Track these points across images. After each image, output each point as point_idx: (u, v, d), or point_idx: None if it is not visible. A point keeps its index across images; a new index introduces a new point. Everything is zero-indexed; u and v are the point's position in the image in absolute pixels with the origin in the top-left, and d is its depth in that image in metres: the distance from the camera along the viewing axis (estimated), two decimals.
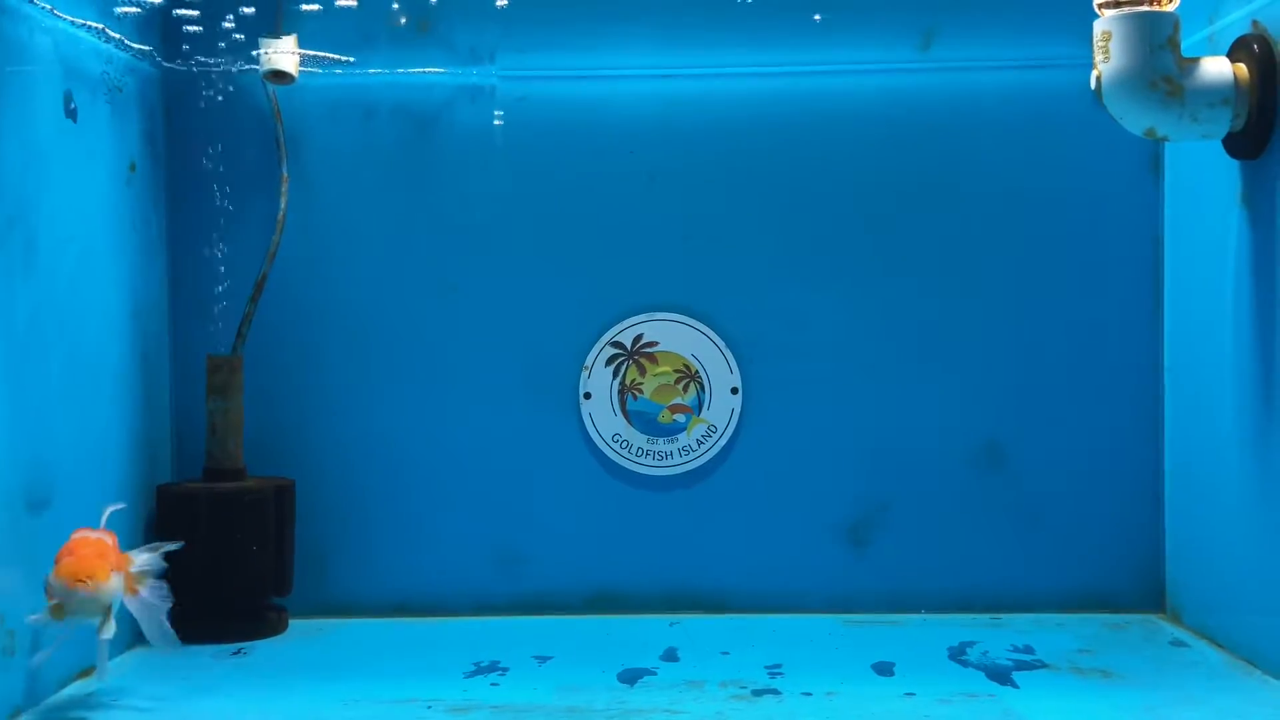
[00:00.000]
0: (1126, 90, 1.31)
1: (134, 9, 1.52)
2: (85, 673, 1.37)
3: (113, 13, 1.47)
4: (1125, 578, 1.64)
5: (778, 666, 1.39)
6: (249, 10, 1.56)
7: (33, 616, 1.18)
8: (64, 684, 1.33)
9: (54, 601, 1.16)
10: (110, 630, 1.20)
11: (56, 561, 1.17)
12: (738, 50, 1.64)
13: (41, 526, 1.28)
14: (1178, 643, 1.49)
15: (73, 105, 1.38)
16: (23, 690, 1.25)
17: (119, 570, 1.21)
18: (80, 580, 1.15)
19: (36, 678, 1.27)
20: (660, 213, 1.66)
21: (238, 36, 1.58)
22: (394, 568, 1.65)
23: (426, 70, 1.65)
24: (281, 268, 1.63)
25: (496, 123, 1.65)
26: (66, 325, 1.36)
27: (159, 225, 1.63)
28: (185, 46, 1.60)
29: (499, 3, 1.60)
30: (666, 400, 1.67)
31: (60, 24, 1.35)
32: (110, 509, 1.28)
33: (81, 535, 1.20)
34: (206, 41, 1.59)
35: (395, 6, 1.62)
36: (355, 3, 1.56)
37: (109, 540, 1.22)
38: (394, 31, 1.64)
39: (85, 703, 1.28)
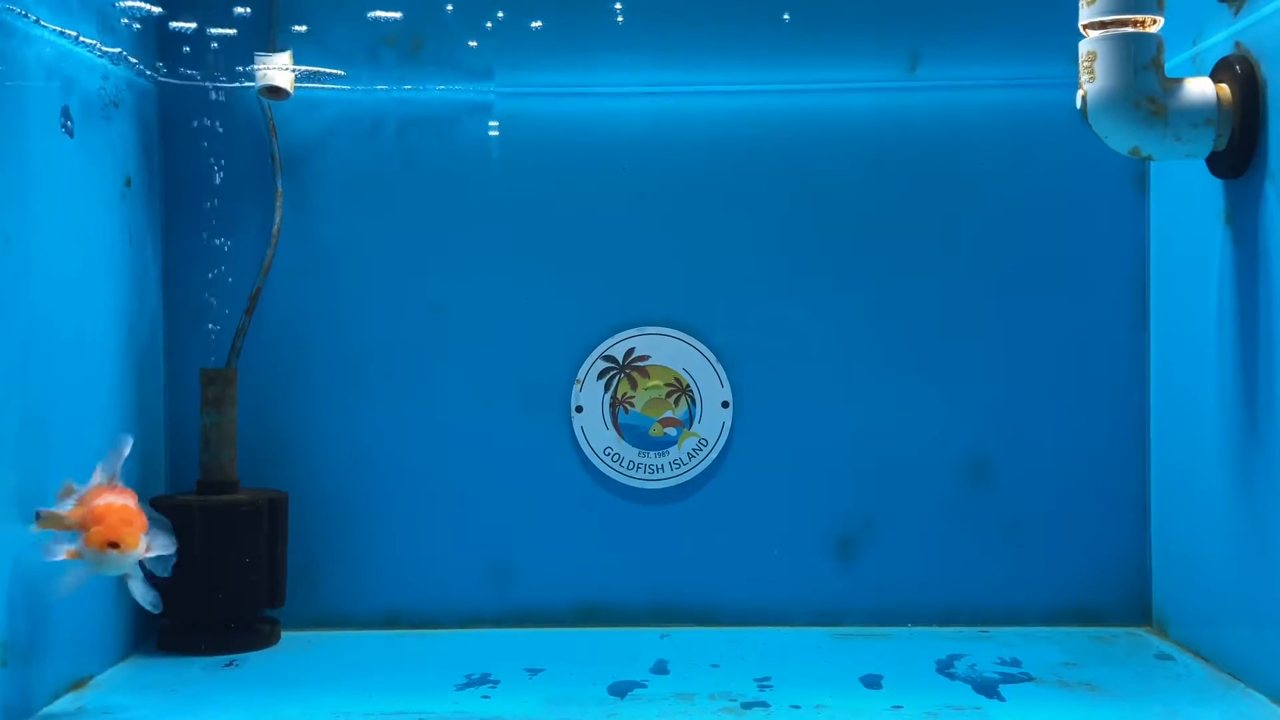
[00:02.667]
0: (1111, 110, 1.33)
1: (131, 24, 1.54)
2: (78, 684, 1.38)
3: (110, 28, 1.48)
4: (1112, 591, 1.65)
5: (767, 679, 1.40)
6: (246, 26, 1.58)
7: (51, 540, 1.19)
8: (57, 695, 1.33)
9: (74, 553, 1.18)
10: (135, 579, 1.23)
11: (83, 525, 1.18)
12: (728, 69, 1.66)
13: (36, 540, 1.28)
14: (1163, 656, 1.50)
15: (68, 120, 1.39)
16: (14, 701, 1.25)
17: (144, 531, 1.22)
18: (112, 547, 1.17)
19: (29, 688, 1.27)
20: (651, 228, 1.67)
21: (234, 52, 1.59)
22: (386, 580, 1.66)
23: (420, 87, 1.66)
24: (276, 282, 1.64)
25: (494, 137, 1.66)
26: (61, 339, 1.37)
27: (154, 239, 1.64)
28: (182, 62, 1.61)
29: (494, 20, 1.62)
30: (658, 414, 1.68)
31: (56, 39, 1.36)
32: (124, 451, 1.26)
33: (107, 502, 1.20)
34: (203, 57, 1.61)
35: (389, 24, 1.63)
36: (351, 19, 1.58)
37: (133, 503, 1.22)
38: (389, 48, 1.66)
39: (77, 714, 1.28)
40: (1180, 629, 1.56)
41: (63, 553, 1.19)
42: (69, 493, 1.23)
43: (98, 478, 1.25)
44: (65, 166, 1.39)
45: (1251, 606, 1.35)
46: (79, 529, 1.19)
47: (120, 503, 1.21)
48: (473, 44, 1.65)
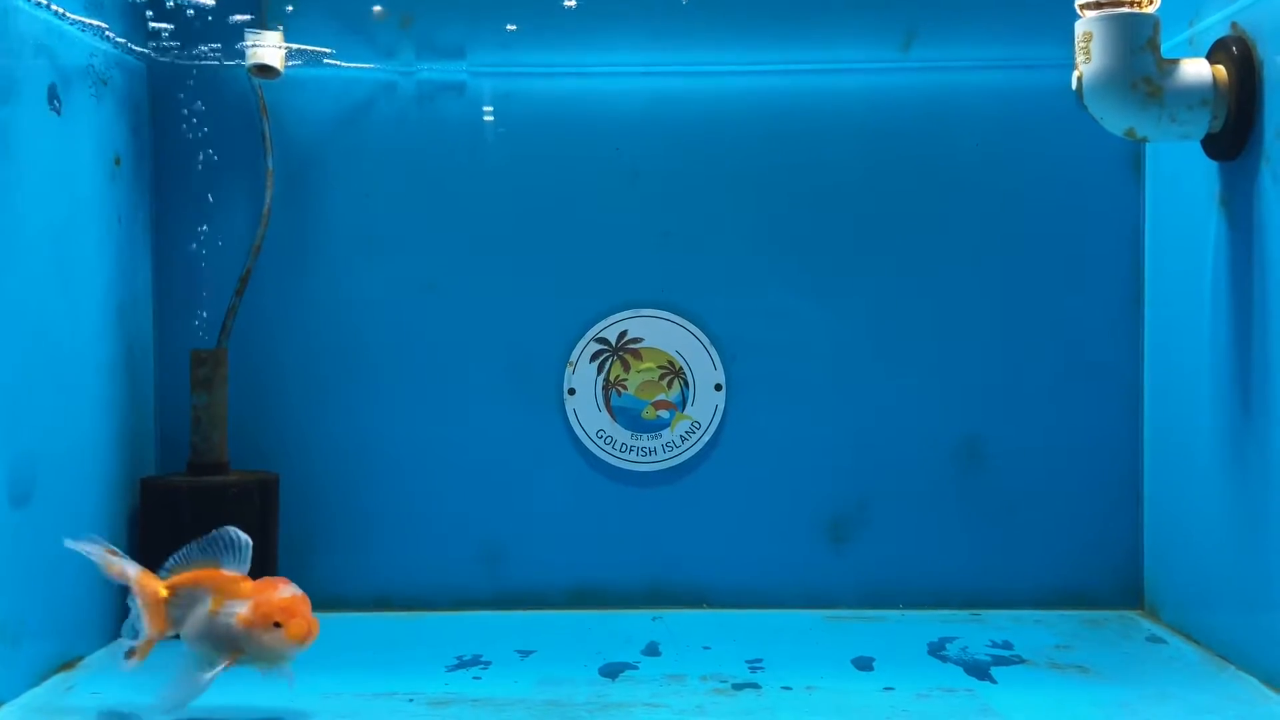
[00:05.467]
0: (1107, 91, 1.32)
1: (119, 1, 1.52)
2: (68, 665, 1.37)
3: (97, 4, 1.47)
4: (1104, 574, 1.65)
5: (758, 661, 1.40)
6: (236, 5, 1.56)
7: (210, 674, 1.16)
8: (46, 676, 1.33)
9: (239, 652, 1.15)
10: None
11: (263, 615, 1.14)
12: (722, 48, 1.65)
13: (24, 521, 1.28)
14: (1155, 639, 1.51)
15: (57, 98, 1.38)
16: (3, 682, 1.25)
17: None
18: (309, 641, 1.15)
19: (18, 668, 1.27)
20: (645, 210, 1.66)
21: (224, 31, 1.58)
22: (377, 562, 1.66)
23: (413, 66, 1.65)
24: (266, 262, 1.63)
25: (487, 119, 1.65)
26: (50, 319, 1.36)
27: (144, 219, 1.63)
28: (172, 40, 1.60)
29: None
30: (650, 396, 1.68)
31: (45, 16, 1.35)
32: (247, 546, 1.19)
33: (291, 592, 1.16)
34: (193, 35, 1.59)
35: (377, 3, 1.62)
36: None
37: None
38: (380, 26, 1.64)
39: (68, 695, 1.28)
40: (1172, 612, 1.56)
41: (222, 665, 1.16)
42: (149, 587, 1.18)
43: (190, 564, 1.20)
44: (53, 144, 1.38)
45: (1243, 590, 1.35)
46: (250, 625, 1.14)
47: (302, 593, 1.17)
48: (462, 23, 1.64)
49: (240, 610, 1.15)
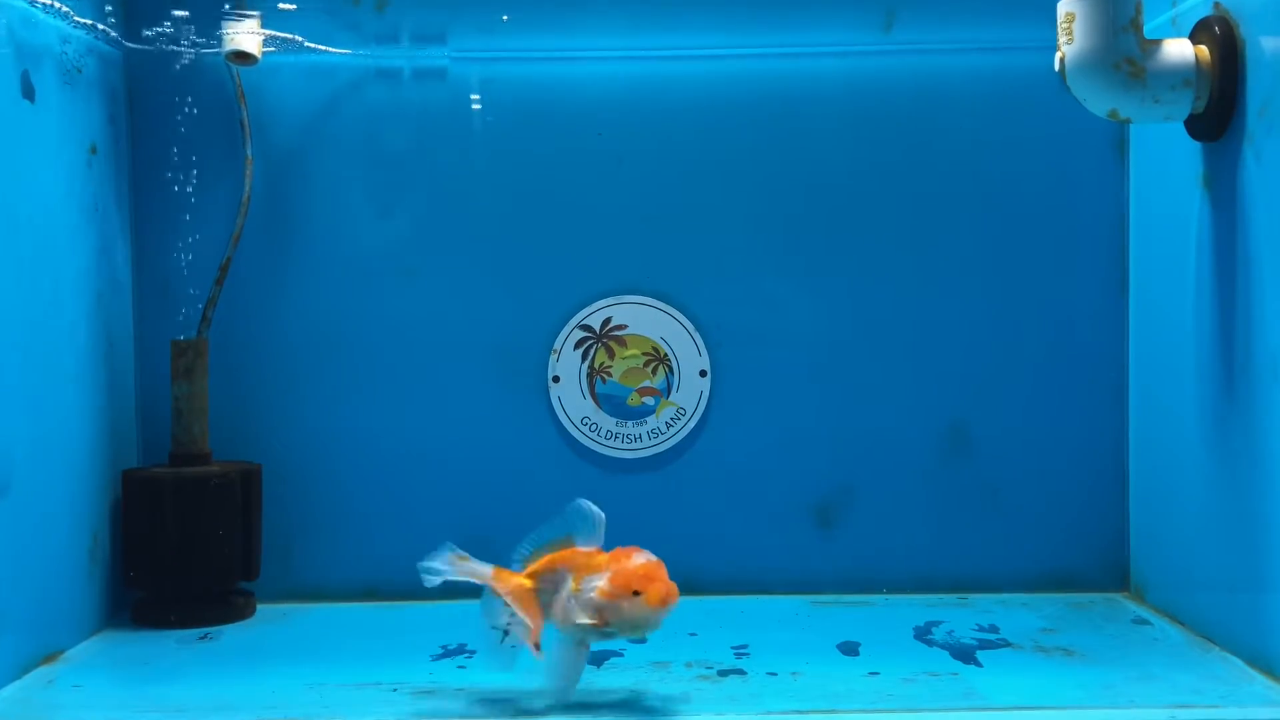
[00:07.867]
0: (1090, 72, 1.32)
1: None
2: (50, 658, 1.36)
3: None
4: (1090, 557, 1.65)
5: (744, 647, 1.40)
6: None
7: (585, 621, 1.15)
8: (27, 669, 1.32)
9: (602, 621, 1.15)
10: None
11: (623, 584, 1.14)
12: (705, 32, 1.64)
13: (2, 513, 1.27)
14: (1140, 621, 1.51)
15: (30, 86, 1.36)
16: None
17: None
18: (669, 605, 1.15)
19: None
20: (629, 195, 1.65)
21: (201, 17, 1.56)
22: (361, 552, 1.65)
23: (393, 51, 1.64)
24: (246, 251, 1.62)
25: (475, 107, 1.64)
26: (27, 310, 1.35)
27: (122, 208, 1.61)
28: (147, 27, 1.58)
29: None
30: (635, 383, 1.67)
31: (17, 3, 1.33)
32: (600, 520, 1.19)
33: (646, 559, 1.16)
34: (169, 22, 1.58)
35: None
36: None
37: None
38: (358, 10, 1.63)
39: (48, 688, 1.27)
40: (1157, 594, 1.56)
41: (589, 620, 1.15)
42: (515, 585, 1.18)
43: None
44: (26, 133, 1.36)
45: (1227, 571, 1.35)
46: (610, 596, 1.14)
47: (655, 557, 1.17)
48: (441, 8, 1.62)
49: (599, 583, 1.15)
